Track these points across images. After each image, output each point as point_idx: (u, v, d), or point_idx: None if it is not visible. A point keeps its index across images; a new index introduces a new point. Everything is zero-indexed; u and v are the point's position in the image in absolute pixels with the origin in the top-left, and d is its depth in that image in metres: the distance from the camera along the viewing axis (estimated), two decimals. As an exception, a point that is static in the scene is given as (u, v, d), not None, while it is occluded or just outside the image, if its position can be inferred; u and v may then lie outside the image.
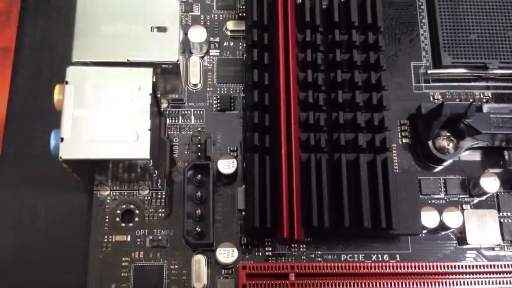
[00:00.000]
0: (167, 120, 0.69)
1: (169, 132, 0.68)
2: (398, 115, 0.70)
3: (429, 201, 0.67)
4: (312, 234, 0.64)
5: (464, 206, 0.67)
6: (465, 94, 0.72)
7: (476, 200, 0.67)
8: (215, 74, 0.71)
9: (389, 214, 0.60)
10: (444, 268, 0.59)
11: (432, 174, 0.68)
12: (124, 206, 0.65)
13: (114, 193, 0.65)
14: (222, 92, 0.70)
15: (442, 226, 0.64)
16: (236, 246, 0.62)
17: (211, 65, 0.71)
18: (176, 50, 0.61)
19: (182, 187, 0.64)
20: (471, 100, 0.71)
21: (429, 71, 0.72)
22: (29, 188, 0.66)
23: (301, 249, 0.65)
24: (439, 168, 0.68)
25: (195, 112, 0.69)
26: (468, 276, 0.59)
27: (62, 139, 0.55)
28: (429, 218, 0.64)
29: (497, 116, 0.66)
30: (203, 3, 0.74)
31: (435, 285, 0.58)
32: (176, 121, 0.69)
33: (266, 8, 0.67)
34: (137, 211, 0.65)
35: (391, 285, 0.58)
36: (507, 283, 0.59)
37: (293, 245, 0.65)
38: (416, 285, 0.58)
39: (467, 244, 0.65)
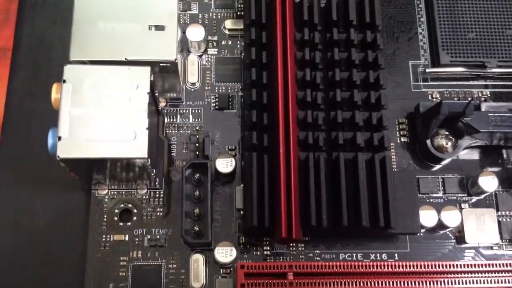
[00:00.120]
0: (165, 119, 0.68)
1: (167, 131, 0.68)
2: (397, 114, 0.70)
3: (428, 200, 0.67)
4: (310, 233, 0.64)
5: (463, 205, 0.67)
6: (463, 93, 0.72)
7: (474, 199, 0.67)
8: (213, 73, 0.71)
9: (388, 213, 0.60)
10: (443, 267, 0.59)
11: (430, 173, 0.68)
12: (122, 205, 0.65)
13: (112, 192, 0.65)
14: (220, 91, 0.70)
15: (441, 225, 0.64)
16: (234, 245, 0.62)
17: (209, 64, 0.71)
18: (174, 49, 0.61)
19: (180, 186, 0.63)
20: (469, 99, 0.71)
21: (427, 70, 0.72)
22: (27, 187, 0.66)
23: (300, 248, 0.65)
24: (437, 167, 0.68)
25: (193, 111, 0.69)
26: (466, 275, 0.59)
27: (59, 138, 0.55)
28: (427, 217, 0.63)
29: (496, 114, 0.66)
30: (201, 2, 0.74)
31: (433, 284, 0.58)
32: (174, 120, 0.69)
33: (264, 7, 0.67)
34: (135, 210, 0.65)
35: (389, 284, 0.58)
36: (505, 282, 0.59)
37: (291, 244, 0.65)
38: (415, 284, 0.58)
39: (466, 243, 0.65)
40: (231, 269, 0.63)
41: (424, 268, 0.59)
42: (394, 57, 0.73)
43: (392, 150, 0.69)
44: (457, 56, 0.71)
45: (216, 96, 0.70)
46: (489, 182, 0.65)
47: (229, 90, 0.70)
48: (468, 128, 0.66)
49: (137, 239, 0.64)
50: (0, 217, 0.65)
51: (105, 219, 0.64)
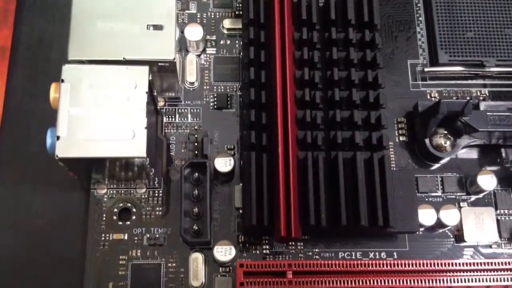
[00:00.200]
0: (164, 118, 0.68)
1: (166, 131, 0.68)
2: (395, 113, 0.70)
3: (426, 199, 0.67)
4: (309, 232, 0.64)
5: (461, 204, 0.67)
6: (462, 92, 0.72)
7: (473, 197, 0.67)
8: (212, 72, 0.71)
9: (386, 212, 0.60)
10: (442, 266, 0.59)
11: (429, 172, 0.68)
12: (121, 204, 0.65)
13: (111, 192, 0.65)
14: (219, 90, 0.70)
15: (439, 224, 0.64)
16: (234, 244, 0.62)
17: (207, 63, 0.71)
18: (173, 48, 0.61)
19: (179, 185, 0.63)
20: (468, 98, 0.71)
21: (426, 69, 0.72)
22: (26, 187, 0.66)
23: (299, 247, 0.65)
24: (436, 166, 0.69)
25: (192, 110, 0.69)
26: (465, 273, 0.59)
27: (58, 138, 0.55)
28: (426, 216, 0.63)
29: (494, 114, 0.66)
30: (200, 1, 0.74)
31: (432, 282, 0.58)
32: (173, 119, 0.69)
33: (262, 6, 0.67)
34: (134, 210, 0.65)
35: (388, 282, 0.58)
36: (504, 281, 0.59)
37: (290, 243, 0.65)
38: (414, 282, 0.58)
39: (464, 241, 0.65)
40: (230, 267, 0.63)
41: (423, 266, 0.59)
42: (392, 56, 0.73)
43: (390, 149, 0.69)
44: (455, 55, 0.71)
45: (215, 95, 0.70)
46: (487, 181, 0.65)
47: (228, 90, 0.70)
48: (466, 127, 0.66)
49: (136, 238, 0.64)
50: (-1, 216, 0.65)
51: (104, 218, 0.64)
